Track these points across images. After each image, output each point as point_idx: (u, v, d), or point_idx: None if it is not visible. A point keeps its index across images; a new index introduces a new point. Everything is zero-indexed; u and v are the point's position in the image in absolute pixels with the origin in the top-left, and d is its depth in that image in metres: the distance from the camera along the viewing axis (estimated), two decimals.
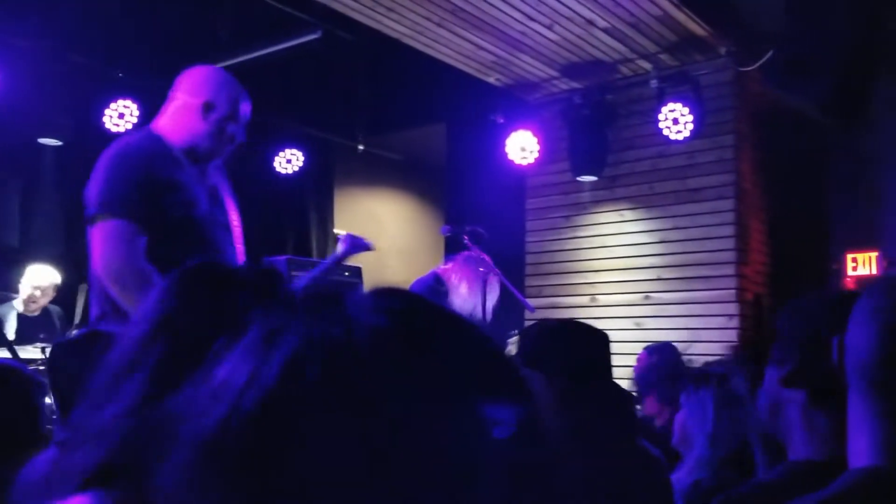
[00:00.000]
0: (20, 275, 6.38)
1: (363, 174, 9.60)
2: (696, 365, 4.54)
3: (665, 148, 6.68)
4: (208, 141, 3.05)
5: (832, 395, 1.54)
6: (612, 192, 7.08)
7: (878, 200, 6.99)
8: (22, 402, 2.21)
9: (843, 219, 7.31)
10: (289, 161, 8.07)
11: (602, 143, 6.88)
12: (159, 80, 3.78)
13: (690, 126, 6.26)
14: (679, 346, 5.12)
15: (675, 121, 6.30)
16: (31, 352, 5.49)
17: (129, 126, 6.19)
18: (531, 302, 5.89)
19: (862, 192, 7.10)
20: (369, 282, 6.44)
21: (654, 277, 6.75)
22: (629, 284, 6.87)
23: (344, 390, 0.50)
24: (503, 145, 7.10)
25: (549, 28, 6.07)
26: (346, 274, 6.24)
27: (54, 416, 2.44)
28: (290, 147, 8.06)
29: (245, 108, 3.17)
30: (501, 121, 7.26)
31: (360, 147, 8.75)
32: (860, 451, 1.24)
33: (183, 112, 3.05)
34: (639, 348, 5.36)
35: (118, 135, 3.21)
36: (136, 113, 6.38)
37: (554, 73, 7.01)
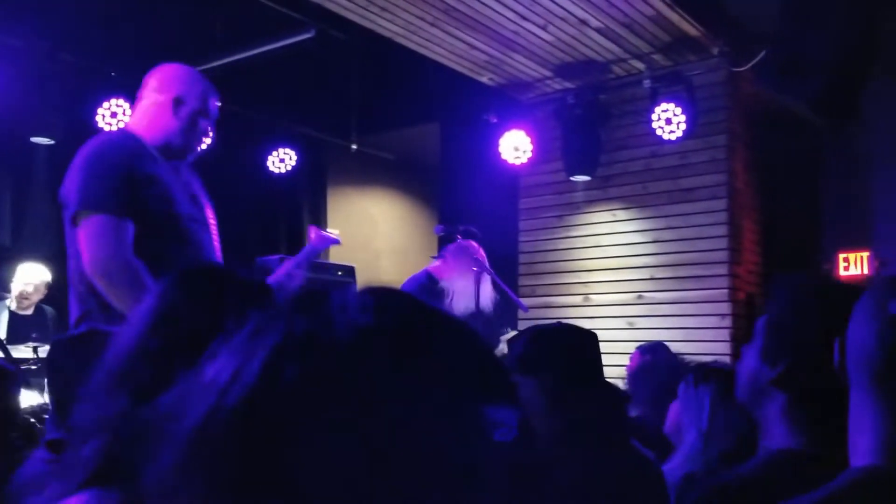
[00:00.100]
0: (12, 273, 6.38)
1: (356, 173, 9.60)
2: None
3: (658, 148, 6.69)
4: (181, 136, 3.05)
5: (818, 399, 1.55)
6: (606, 191, 7.09)
7: (869, 201, 7.02)
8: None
9: (835, 219, 7.35)
10: (282, 160, 8.06)
11: (595, 142, 6.89)
12: None
13: (683, 126, 6.27)
14: (672, 346, 5.13)
15: (668, 121, 6.31)
16: (22, 351, 5.49)
17: (123, 125, 6.18)
18: (524, 301, 5.90)
19: (854, 193, 7.13)
20: (363, 281, 6.44)
21: (647, 277, 6.77)
22: (622, 284, 6.88)
23: (323, 388, 0.50)
24: (496, 145, 7.11)
25: (543, 28, 6.07)
26: (340, 273, 6.24)
27: (46, 416, 2.44)
28: (284, 146, 8.05)
29: (214, 103, 3.17)
30: (495, 120, 7.26)
31: (354, 146, 8.74)
32: (861, 449, 1.24)
33: (153, 110, 3.05)
34: (631, 348, 5.35)
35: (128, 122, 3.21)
36: (129, 112, 6.36)
37: (547, 73, 7.01)
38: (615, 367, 4.84)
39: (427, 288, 5.23)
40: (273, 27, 6.55)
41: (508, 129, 7.10)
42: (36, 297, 6.35)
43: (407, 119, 8.66)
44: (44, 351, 5.26)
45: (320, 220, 8.90)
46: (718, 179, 6.53)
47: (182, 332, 0.93)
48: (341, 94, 8.28)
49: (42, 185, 6.98)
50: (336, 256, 8.52)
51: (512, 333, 5.53)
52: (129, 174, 2.82)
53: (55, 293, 6.21)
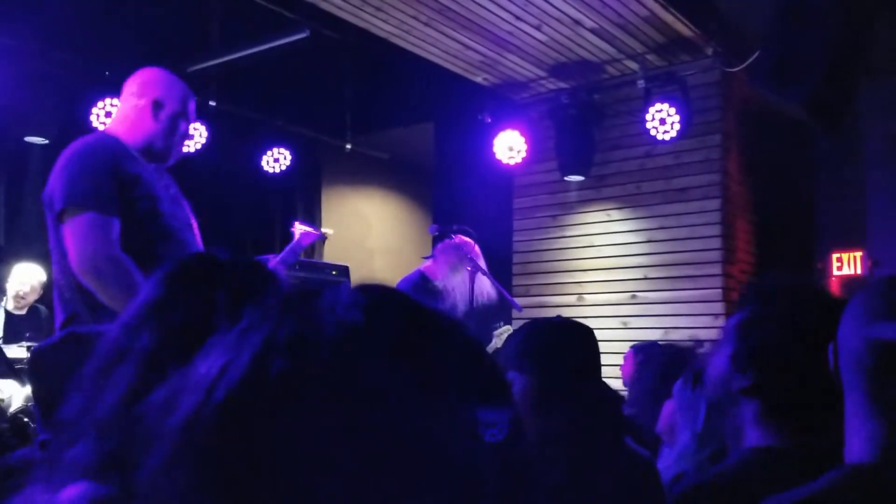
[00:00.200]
0: (5, 272, 6.37)
1: (351, 173, 9.59)
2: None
3: (652, 148, 6.70)
4: (162, 139, 3.06)
5: (790, 403, 1.56)
6: (599, 191, 7.11)
7: (863, 201, 7.03)
8: None
9: (828, 219, 7.36)
10: (276, 160, 8.06)
11: (589, 142, 6.90)
12: None
13: (677, 126, 6.28)
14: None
15: (662, 121, 6.33)
16: (16, 351, 5.49)
17: (103, 129, 6.17)
18: (518, 301, 5.91)
19: (847, 193, 7.14)
20: (357, 280, 6.43)
21: (641, 277, 6.78)
22: (616, 284, 6.89)
23: (310, 384, 0.51)
24: (491, 145, 7.12)
25: (537, 28, 6.08)
26: (334, 273, 6.24)
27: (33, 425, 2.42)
28: (278, 146, 8.05)
29: (193, 107, 3.18)
30: (489, 120, 7.27)
31: (348, 146, 8.74)
32: (856, 449, 1.26)
33: (134, 113, 3.06)
34: (625, 347, 5.38)
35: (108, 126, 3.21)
36: None
37: (541, 73, 7.02)
38: (609, 366, 4.85)
39: (421, 288, 5.23)
40: (267, 27, 6.54)
41: (503, 128, 7.11)
42: (31, 298, 6.35)
43: (401, 119, 8.66)
44: None
45: (315, 220, 8.89)
46: (712, 179, 6.55)
47: (175, 326, 0.92)
48: (335, 94, 8.29)
49: (36, 185, 6.95)
50: (330, 256, 8.53)
51: (504, 328, 5.54)
52: (114, 173, 2.82)
53: (49, 293, 6.21)
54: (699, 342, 5.74)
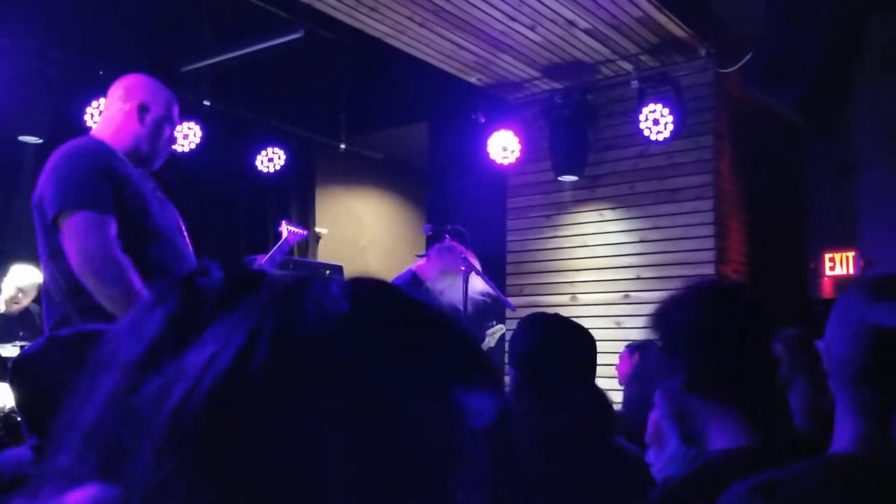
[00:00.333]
0: (2, 274, 6.35)
1: (345, 173, 9.60)
2: None
3: (645, 148, 6.72)
4: (148, 143, 3.07)
5: (738, 392, 1.59)
6: (593, 191, 7.12)
7: (855, 202, 7.06)
8: None
9: (820, 219, 7.39)
10: (270, 160, 8.05)
11: (583, 143, 6.92)
12: None
13: (670, 127, 6.30)
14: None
15: (656, 121, 6.35)
16: (10, 350, 5.48)
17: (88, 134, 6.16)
18: (512, 300, 5.92)
19: (840, 194, 7.17)
20: None
21: (634, 277, 6.79)
22: (609, 283, 6.91)
23: (295, 374, 0.51)
24: (485, 145, 7.13)
25: (531, 29, 6.09)
26: (328, 273, 6.24)
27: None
28: (272, 146, 8.04)
29: (177, 111, 3.20)
30: (483, 120, 7.29)
31: (342, 146, 8.74)
32: (843, 444, 1.27)
33: (120, 117, 3.07)
34: (618, 347, 5.40)
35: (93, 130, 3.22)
36: None
37: (535, 74, 7.03)
38: (603, 366, 4.85)
39: (412, 287, 5.22)
40: (262, 27, 6.55)
41: (496, 128, 7.12)
42: (26, 301, 6.32)
43: (395, 119, 8.67)
44: None
45: (309, 220, 8.90)
46: (705, 180, 6.57)
47: (171, 319, 0.92)
48: (330, 94, 8.29)
49: (30, 185, 6.91)
50: (324, 256, 8.53)
51: (497, 327, 5.55)
52: (105, 173, 2.83)
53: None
54: None
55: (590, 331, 2.52)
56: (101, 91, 6.19)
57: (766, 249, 7.04)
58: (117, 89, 3.14)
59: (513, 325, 3.11)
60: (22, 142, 6.19)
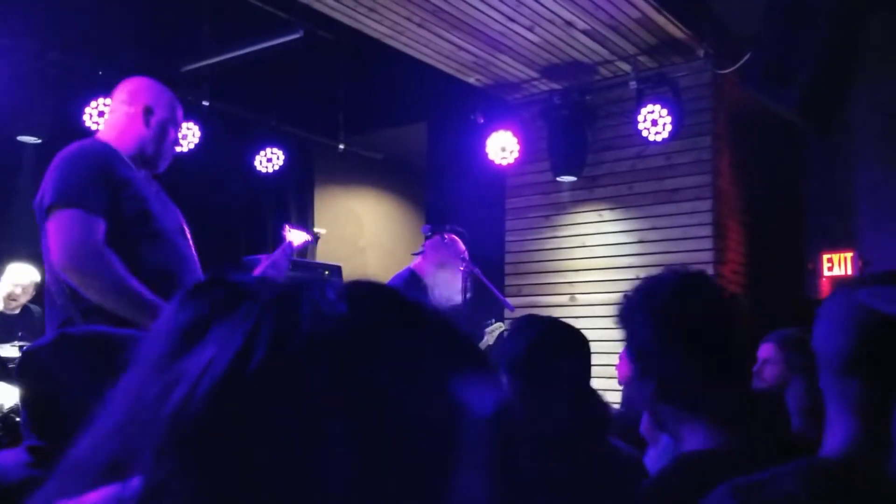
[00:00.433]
0: (0, 273, 6.36)
1: (344, 173, 9.60)
2: None
3: (644, 149, 6.72)
4: (153, 145, 3.09)
5: (705, 400, 1.61)
6: (592, 192, 7.13)
7: (853, 202, 7.06)
8: None
9: (819, 219, 7.38)
10: (269, 160, 8.05)
11: (581, 143, 6.92)
12: None
13: (669, 127, 6.30)
14: None
15: (654, 122, 6.35)
16: (9, 350, 5.48)
17: (93, 136, 6.16)
18: (510, 301, 5.92)
19: (838, 194, 7.17)
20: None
21: (633, 277, 6.78)
22: (608, 284, 6.91)
23: (286, 377, 0.51)
24: (483, 145, 7.13)
25: (529, 29, 6.10)
26: (326, 273, 6.25)
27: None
28: (271, 146, 8.04)
29: (181, 113, 3.23)
30: (481, 121, 7.28)
31: (341, 146, 8.74)
32: (829, 448, 1.28)
33: (124, 120, 3.09)
34: (617, 347, 5.38)
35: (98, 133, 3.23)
36: None
37: (534, 74, 7.04)
38: (601, 366, 4.87)
39: (411, 285, 5.23)
40: (261, 27, 6.55)
41: (495, 129, 7.13)
42: (24, 299, 6.33)
43: (394, 119, 8.68)
44: None
45: (307, 220, 8.90)
46: (703, 180, 6.57)
47: (181, 324, 0.92)
48: (329, 94, 8.30)
49: (28, 185, 6.94)
50: (323, 256, 8.52)
51: (496, 325, 5.55)
52: (105, 175, 2.84)
53: (43, 293, 6.19)
54: None
55: (587, 331, 2.52)
56: (101, 91, 6.25)
57: (765, 250, 7.05)
58: (122, 92, 3.15)
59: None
60: (21, 142, 6.18)
